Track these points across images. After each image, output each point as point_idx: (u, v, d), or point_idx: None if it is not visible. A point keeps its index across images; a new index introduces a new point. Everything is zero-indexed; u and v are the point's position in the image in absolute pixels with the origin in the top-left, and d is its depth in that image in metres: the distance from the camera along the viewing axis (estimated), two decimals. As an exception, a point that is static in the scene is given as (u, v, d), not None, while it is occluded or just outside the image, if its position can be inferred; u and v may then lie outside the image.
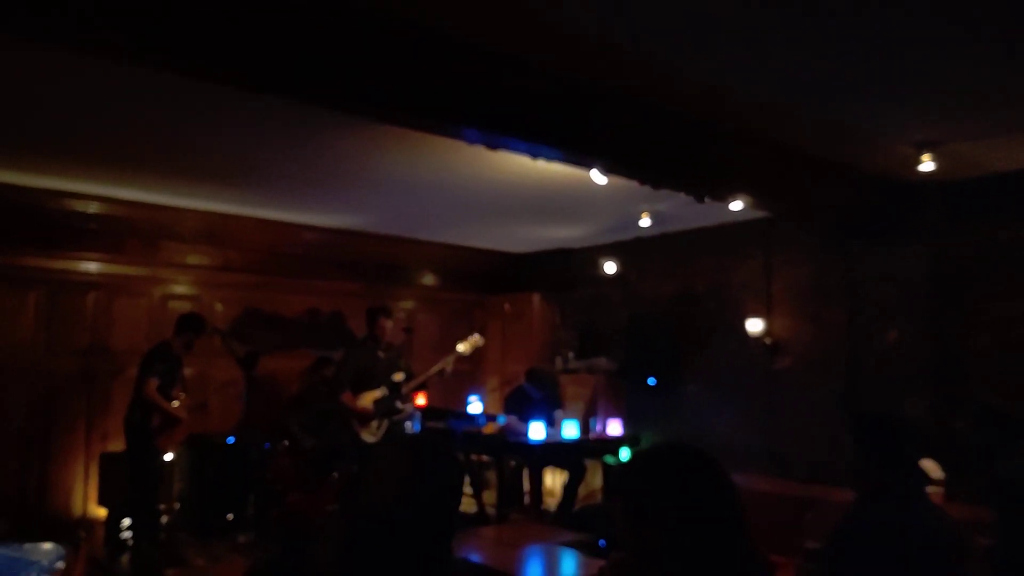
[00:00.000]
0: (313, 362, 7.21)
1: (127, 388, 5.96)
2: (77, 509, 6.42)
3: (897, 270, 5.90)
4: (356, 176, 5.75)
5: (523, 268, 9.28)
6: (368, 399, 5.88)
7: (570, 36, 3.42)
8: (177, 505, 6.39)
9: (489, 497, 6.81)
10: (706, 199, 5.11)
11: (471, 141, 4.11)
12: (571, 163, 4.55)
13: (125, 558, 5.63)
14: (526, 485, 6.87)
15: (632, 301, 7.99)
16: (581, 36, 3.42)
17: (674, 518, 1.40)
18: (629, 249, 7.91)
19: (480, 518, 6.53)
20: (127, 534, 5.78)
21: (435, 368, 6.09)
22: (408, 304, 8.69)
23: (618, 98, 4.11)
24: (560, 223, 7.45)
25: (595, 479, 7.19)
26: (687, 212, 6.25)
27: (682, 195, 5.11)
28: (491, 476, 7.07)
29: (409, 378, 6.05)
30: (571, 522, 6.06)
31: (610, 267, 7.95)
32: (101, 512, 6.20)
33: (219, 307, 7.28)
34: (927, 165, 4.78)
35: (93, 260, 6.63)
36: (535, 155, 4.28)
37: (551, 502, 7.03)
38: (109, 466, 6.18)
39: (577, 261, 8.56)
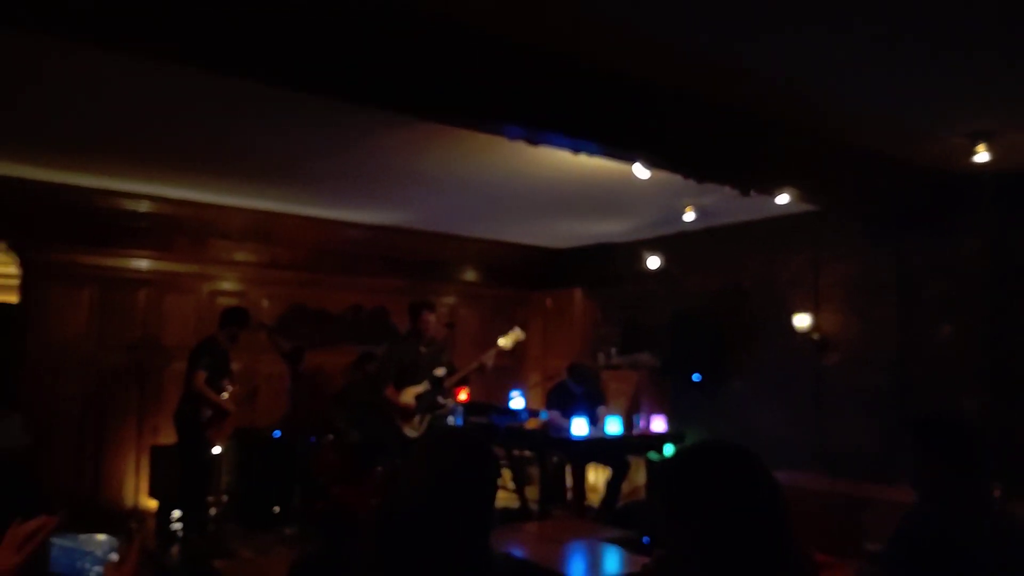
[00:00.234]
0: (357, 357, 7.28)
1: (177, 382, 6.12)
2: (129, 501, 6.58)
3: (951, 264, 5.74)
4: (400, 173, 5.78)
5: (565, 263, 9.24)
6: (410, 394, 5.91)
7: (612, 29, 3.38)
8: (225, 498, 6.51)
9: (532, 493, 6.81)
10: (752, 193, 5.02)
11: (513, 137, 4.10)
12: (613, 157, 4.52)
13: (175, 549, 5.74)
14: (569, 481, 6.84)
15: (676, 296, 7.90)
16: (624, 29, 3.37)
17: (712, 518, 1.37)
18: (673, 244, 7.83)
19: (523, 514, 6.54)
20: (177, 525, 5.90)
21: (476, 363, 6.10)
22: (450, 300, 8.73)
23: (662, 91, 4.04)
24: (602, 218, 7.41)
25: (638, 476, 7.15)
26: (732, 206, 6.15)
27: (727, 189, 5.03)
28: (534, 472, 7.06)
29: (451, 373, 6.07)
30: (614, 519, 6.04)
31: (654, 262, 7.87)
32: (152, 504, 6.36)
33: (265, 303, 7.39)
34: (982, 156, 4.62)
35: (144, 258, 6.79)
36: (577, 150, 4.25)
37: (594, 498, 7.00)
38: (159, 459, 6.34)
39: (620, 256, 8.49)
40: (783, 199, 5.36)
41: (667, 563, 1.49)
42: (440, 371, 6.02)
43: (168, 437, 6.18)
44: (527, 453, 7.12)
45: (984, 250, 5.60)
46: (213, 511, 6.24)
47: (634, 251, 8.11)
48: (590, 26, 3.35)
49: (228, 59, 3.11)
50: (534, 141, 4.10)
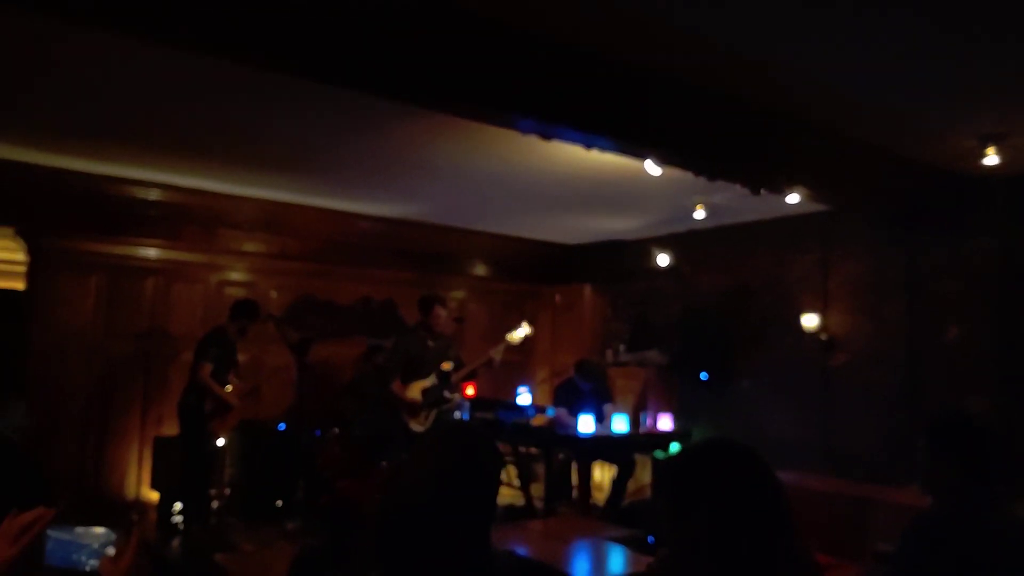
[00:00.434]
0: (366, 349, 7.27)
1: (183, 372, 6.11)
2: (131, 492, 6.57)
3: (961, 265, 5.71)
4: (412, 166, 5.76)
5: (575, 259, 9.21)
6: (417, 388, 5.90)
7: (627, 25, 3.36)
8: (228, 490, 6.49)
9: (537, 490, 6.78)
10: (762, 191, 5.00)
11: (525, 131, 4.08)
12: (625, 153, 4.48)
13: (176, 542, 5.73)
14: (574, 479, 6.82)
15: (685, 294, 7.88)
16: (638, 24, 3.35)
17: (713, 517, 1.38)
18: (683, 241, 7.80)
19: (528, 511, 6.52)
20: (178, 518, 5.90)
21: (484, 357, 6.07)
22: (460, 294, 8.71)
23: (675, 87, 4.02)
24: (613, 214, 7.38)
25: (644, 474, 7.11)
26: (743, 204, 6.13)
27: (738, 187, 5.01)
28: (539, 469, 7.04)
29: (458, 367, 6.05)
30: (619, 517, 6.01)
31: (663, 259, 7.84)
32: (154, 496, 6.35)
33: (274, 294, 7.39)
34: (991, 158, 4.64)
35: (152, 246, 6.78)
36: (589, 145, 4.22)
37: (599, 496, 6.98)
38: (162, 450, 6.31)
39: (630, 253, 8.46)
40: (793, 198, 5.33)
41: (671, 562, 1.48)
42: (447, 365, 6.00)
43: (172, 428, 6.17)
44: (533, 450, 7.10)
45: (993, 251, 5.58)
46: (215, 504, 6.22)
47: (644, 248, 8.07)
48: (604, 19, 3.33)
49: (240, 46, 3.09)
50: (547, 135, 4.07)
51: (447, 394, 5.99)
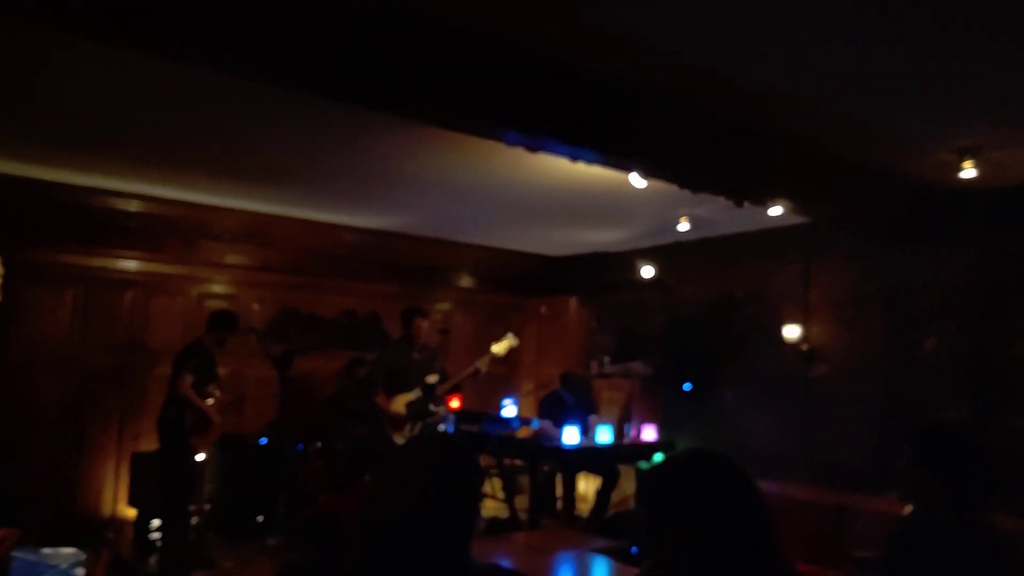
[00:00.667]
0: (347, 363, 7.23)
1: (161, 387, 6.01)
2: (107, 509, 6.47)
3: (939, 277, 5.77)
4: (397, 177, 5.75)
5: (560, 271, 9.22)
6: (401, 401, 5.86)
7: (612, 40, 3.38)
8: (207, 506, 6.38)
9: (521, 502, 6.76)
10: (745, 204, 5.03)
11: (511, 143, 4.08)
12: (610, 166, 4.50)
13: (153, 559, 5.63)
14: (559, 490, 6.80)
15: (670, 306, 7.90)
16: (623, 40, 3.38)
17: (695, 526, 1.38)
18: (667, 253, 7.83)
19: (512, 523, 6.49)
20: (156, 535, 5.79)
21: (469, 369, 6.05)
22: (445, 306, 8.69)
23: (659, 101, 4.05)
24: (598, 226, 7.40)
25: (628, 485, 7.10)
26: (726, 217, 6.18)
27: (721, 200, 5.04)
28: (524, 481, 7.02)
29: (443, 380, 6.02)
30: (604, 528, 6.00)
31: (648, 271, 7.87)
32: (131, 512, 6.23)
33: (256, 307, 7.33)
34: (968, 172, 4.69)
35: (132, 258, 6.70)
36: (575, 158, 4.24)
37: (584, 508, 6.96)
38: (140, 466, 6.22)
39: (615, 265, 8.49)
40: (776, 211, 5.37)
41: (654, 573, 1.48)
42: (432, 378, 5.96)
43: (150, 443, 6.07)
44: (518, 462, 7.08)
45: (971, 264, 5.64)
46: (194, 520, 6.10)
47: (629, 260, 8.10)
48: (590, 34, 3.35)
49: (223, 57, 3.07)
50: (532, 148, 4.08)
51: (432, 407, 5.96)
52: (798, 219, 6.09)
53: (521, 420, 7.10)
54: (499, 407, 7.63)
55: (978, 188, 5.16)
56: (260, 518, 6.29)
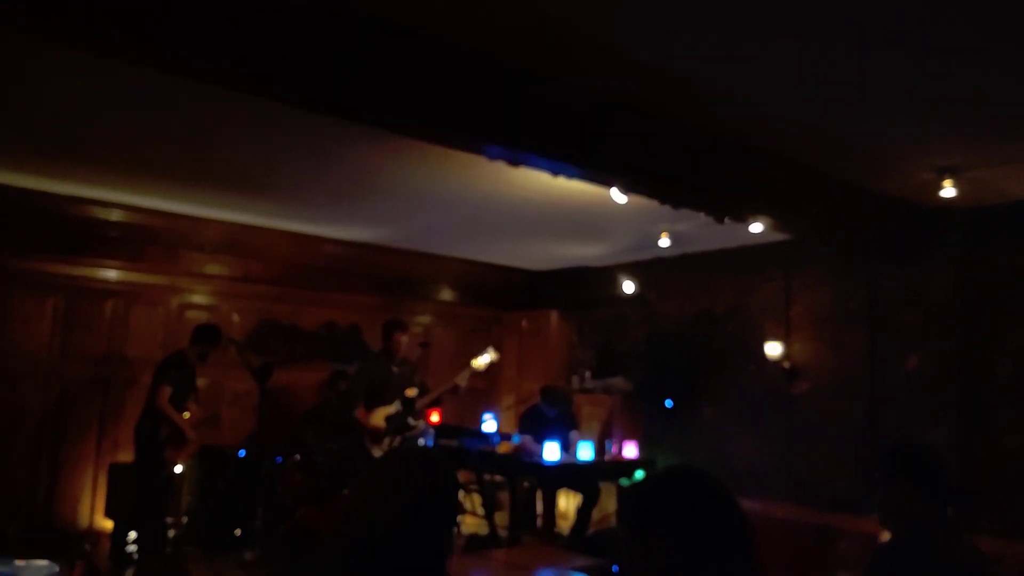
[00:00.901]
0: (329, 376, 7.18)
1: (141, 397, 5.97)
2: (83, 521, 6.39)
3: (920, 295, 5.80)
4: (379, 190, 5.74)
5: (541, 285, 9.22)
6: (381, 415, 5.83)
7: (593, 54, 3.40)
8: (185, 519, 6.32)
9: (501, 519, 6.72)
10: (726, 220, 5.05)
11: (493, 157, 4.08)
12: (591, 181, 4.51)
13: (130, 572, 5.56)
14: (539, 507, 6.78)
15: (651, 321, 7.91)
16: (604, 54, 3.40)
17: (675, 545, 1.37)
18: (648, 269, 7.85)
19: (492, 540, 6.45)
20: (133, 547, 5.71)
21: (449, 383, 6.03)
22: (425, 319, 8.66)
23: (639, 116, 4.07)
24: (579, 241, 7.41)
25: (609, 502, 7.09)
26: (707, 233, 6.20)
27: (702, 216, 5.06)
28: (504, 497, 6.98)
29: (423, 393, 6.00)
30: (584, 546, 5.97)
31: (629, 286, 7.89)
32: (108, 524, 6.16)
33: (236, 318, 7.28)
34: (948, 191, 4.74)
35: (113, 268, 6.65)
36: (556, 172, 4.24)
37: (564, 525, 6.93)
38: (118, 477, 6.16)
39: (596, 279, 8.49)
40: (757, 227, 5.40)
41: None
42: (412, 392, 5.94)
43: (128, 455, 6.01)
44: (497, 478, 7.05)
45: (953, 281, 5.67)
46: (172, 532, 6.05)
47: (610, 275, 8.11)
48: (571, 48, 3.36)
49: (197, 63, 3.05)
50: (514, 161, 4.08)
51: (411, 421, 5.93)
52: (779, 236, 6.13)
53: (501, 435, 7.08)
54: (479, 422, 7.60)
55: (959, 206, 5.21)
56: (238, 531, 6.23)
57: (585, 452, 6.37)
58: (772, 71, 3.51)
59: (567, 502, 7.37)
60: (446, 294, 8.93)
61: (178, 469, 5.97)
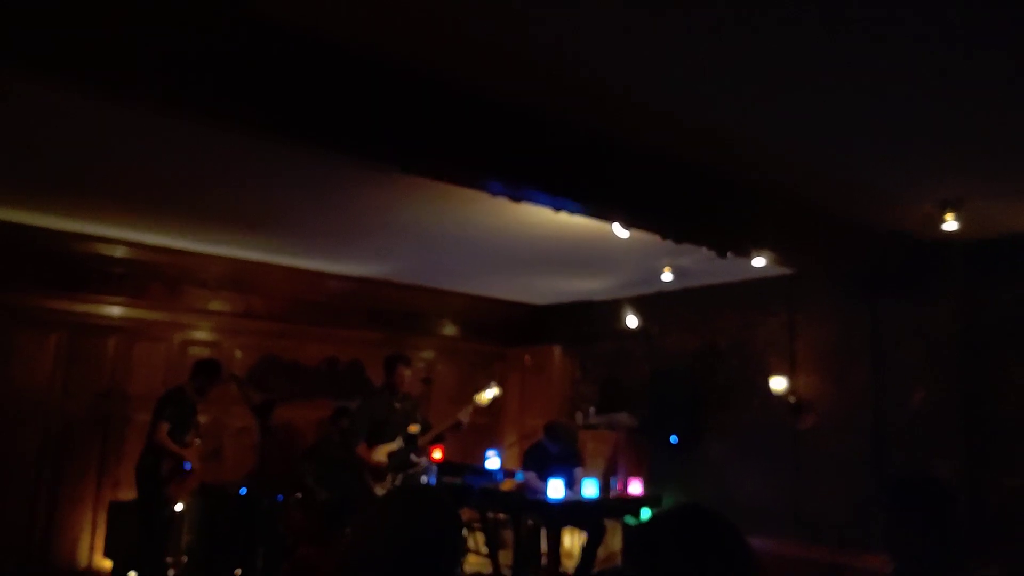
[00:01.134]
0: (332, 413, 7.14)
1: (141, 434, 5.94)
2: (83, 560, 6.31)
3: (924, 329, 5.77)
4: (381, 225, 5.77)
5: (544, 320, 9.21)
6: (383, 452, 5.78)
7: (594, 92, 3.43)
8: (185, 558, 6.24)
9: (505, 557, 6.63)
10: (728, 254, 5.06)
11: (495, 193, 4.11)
12: (593, 216, 4.52)
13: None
14: (544, 545, 6.69)
15: (654, 356, 7.88)
16: (605, 92, 3.43)
17: None
18: (651, 303, 7.84)
19: (495, 578, 6.36)
20: (132, 587, 5.66)
21: (452, 420, 5.98)
22: (428, 354, 8.63)
23: (641, 152, 4.10)
24: (582, 275, 7.41)
25: (615, 541, 6.99)
26: (709, 267, 6.20)
27: (704, 250, 5.06)
28: (508, 535, 6.90)
29: (425, 430, 5.95)
30: (589, 585, 5.88)
31: (632, 321, 7.87)
32: (107, 564, 6.09)
33: (238, 354, 7.27)
34: (950, 224, 4.73)
35: (116, 304, 6.66)
36: (558, 208, 4.26)
37: (569, 564, 6.83)
38: (118, 516, 6.10)
39: (599, 314, 8.48)
40: (759, 262, 5.39)
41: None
42: (414, 428, 5.88)
43: (129, 493, 5.96)
44: (501, 516, 6.96)
45: (956, 314, 5.65)
46: (171, 572, 5.99)
47: (613, 309, 8.10)
48: (572, 86, 3.39)
49: (202, 107, 3.08)
50: (516, 197, 4.10)
51: (414, 458, 5.87)
52: (782, 270, 6.13)
53: (505, 472, 7.00)
54: (482, 458, 7.52)
55: (962, 239, 5.21)
56: (238, 571, 6.13)
57: (590, 489, 6.28)
58: (775, 111, 3.54)
59: (572, 540, 7.28)
60: (449, 329, 8.91)
61: (178, 507, 5.92)
